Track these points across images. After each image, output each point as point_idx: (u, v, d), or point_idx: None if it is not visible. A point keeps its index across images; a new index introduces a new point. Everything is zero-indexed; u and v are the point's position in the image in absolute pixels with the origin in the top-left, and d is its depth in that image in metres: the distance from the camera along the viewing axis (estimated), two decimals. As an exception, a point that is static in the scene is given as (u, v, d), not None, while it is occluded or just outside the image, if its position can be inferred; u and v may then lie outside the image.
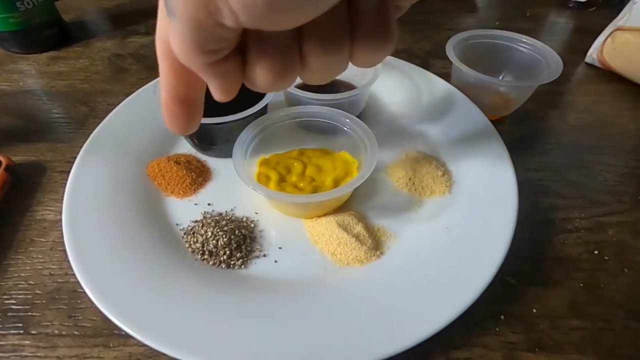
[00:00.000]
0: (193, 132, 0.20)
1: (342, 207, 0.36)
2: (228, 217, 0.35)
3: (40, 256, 0.33)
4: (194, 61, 0.15)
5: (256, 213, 0.36)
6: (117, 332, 0.29)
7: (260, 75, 0.15)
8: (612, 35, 0.52)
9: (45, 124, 0.46)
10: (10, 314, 0.30)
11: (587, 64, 0.57)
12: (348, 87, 0.45)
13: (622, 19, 0.52)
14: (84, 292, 0.28)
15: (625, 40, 0.51)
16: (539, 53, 0.45)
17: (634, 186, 0.40)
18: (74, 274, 0.29)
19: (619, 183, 0.41)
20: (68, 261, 0.29)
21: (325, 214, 0.35)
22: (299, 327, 0.28)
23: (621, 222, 0.37)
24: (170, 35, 0.14)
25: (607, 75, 0.54)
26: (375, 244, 0.33)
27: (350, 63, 0.16)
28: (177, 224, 0.35)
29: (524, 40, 0.46)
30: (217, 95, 0.17)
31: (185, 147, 0.42)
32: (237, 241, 0.33)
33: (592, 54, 0.56)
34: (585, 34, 0.59)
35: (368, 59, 0.15)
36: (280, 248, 0.34)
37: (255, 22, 0.12)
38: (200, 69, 0.15)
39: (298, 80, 0.44)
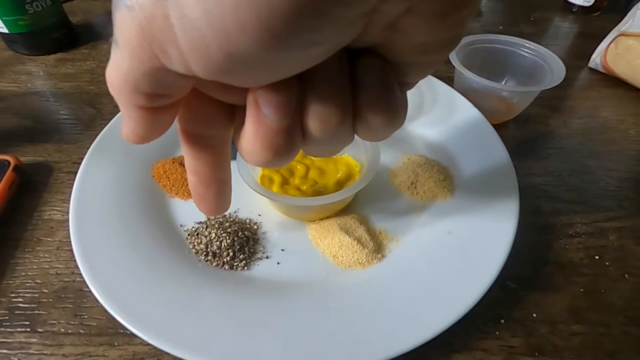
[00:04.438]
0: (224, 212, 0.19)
1: (344, 210, 0.37)
2: (231, 219, 0.35)
3: (47, 255, 0.34)
4: (124, 96, 0.13)
5: (259, 215, 0.37)
6: (122, 331, 0.29)
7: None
8: (616, 41, 0.52)
9: (52, 125, 0.46)
10: (17, 312, 0.30)
11: (590, 68, 0.57)
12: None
13: (625, 24, 0.52)
14: (90, 292, 0.28)
15: (629, 45, 0.51)
16: (542, 58, 0.45)
17: (636, 192, 0.40)
18: (80, 274, 0.29)
19: (621, 188, 0.41)
20: (74, 261, 0.30)
21: (328, 217, 0.36)
22: (301, 328, 0.28)
23: (622, 228, 0.37)
24: (110, 60, 0.13)
25: (610, 81, 0.54)
26: (377, 247, 0.34)
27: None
28: (181, 225, 0.35)
29: (527, 45, 0.46)
30: (126, 133, 0.14)
31: (190, 149, 0.42)
32: (240, 243, 0.33)
33: (596, 59, 0.56)
34: (589, 39, 0.59)
35: (373, 132, 0.14)
36: (282, 250, 0.34)
37: (212, 72, 0.11)
38: (127, 107, 0.13)
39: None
